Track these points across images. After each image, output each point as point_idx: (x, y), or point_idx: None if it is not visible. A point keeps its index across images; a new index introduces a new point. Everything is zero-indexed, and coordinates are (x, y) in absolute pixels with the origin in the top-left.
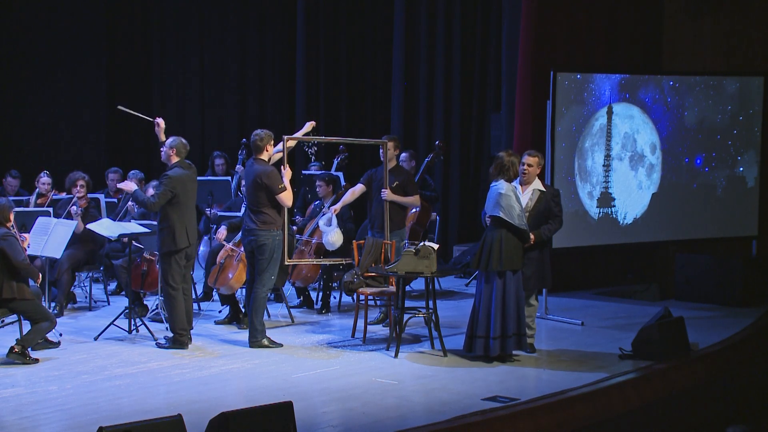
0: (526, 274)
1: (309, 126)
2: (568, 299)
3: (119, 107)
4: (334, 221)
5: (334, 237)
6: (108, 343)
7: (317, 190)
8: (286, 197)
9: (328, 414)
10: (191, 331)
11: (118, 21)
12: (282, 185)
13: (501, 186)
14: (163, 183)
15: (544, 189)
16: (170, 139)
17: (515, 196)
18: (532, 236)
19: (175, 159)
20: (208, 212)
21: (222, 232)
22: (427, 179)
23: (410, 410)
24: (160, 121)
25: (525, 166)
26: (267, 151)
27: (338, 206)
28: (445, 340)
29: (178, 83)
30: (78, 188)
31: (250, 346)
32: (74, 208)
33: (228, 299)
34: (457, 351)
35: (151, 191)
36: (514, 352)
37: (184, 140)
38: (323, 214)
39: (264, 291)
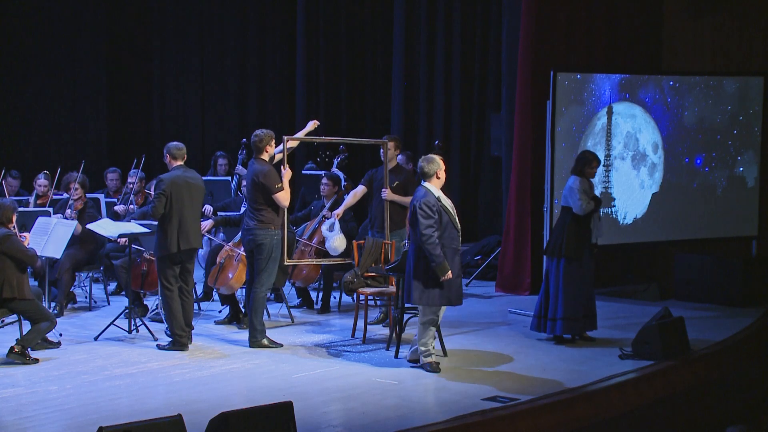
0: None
1: (312, 125)
2: None
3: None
4: (337, 226)
5: (336, 242)
6: (108, 343)
7: (322, 189)
8: (283, 197)
9: (328, 414)
10: (192, 331)
11: (118, 21)
12: (279, 185)
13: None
14: (157, 187)
15: None
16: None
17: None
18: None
19: (173, 163)
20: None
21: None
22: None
23: (410, 410)
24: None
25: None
26: (267, 151)
27: (340, 210)
28: (445, 340)
29: (178, 83)
30: (72, 191)
31: (250, 346)
32: (69, 211)
33: (228, 299)
34: (457, 351)
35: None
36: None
37: (174, 143)
38: (322, 216)
39: (263, 291)
